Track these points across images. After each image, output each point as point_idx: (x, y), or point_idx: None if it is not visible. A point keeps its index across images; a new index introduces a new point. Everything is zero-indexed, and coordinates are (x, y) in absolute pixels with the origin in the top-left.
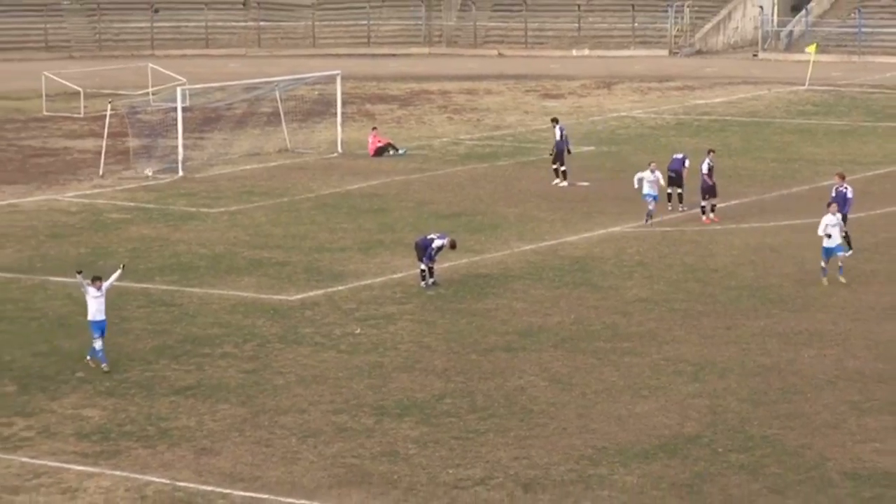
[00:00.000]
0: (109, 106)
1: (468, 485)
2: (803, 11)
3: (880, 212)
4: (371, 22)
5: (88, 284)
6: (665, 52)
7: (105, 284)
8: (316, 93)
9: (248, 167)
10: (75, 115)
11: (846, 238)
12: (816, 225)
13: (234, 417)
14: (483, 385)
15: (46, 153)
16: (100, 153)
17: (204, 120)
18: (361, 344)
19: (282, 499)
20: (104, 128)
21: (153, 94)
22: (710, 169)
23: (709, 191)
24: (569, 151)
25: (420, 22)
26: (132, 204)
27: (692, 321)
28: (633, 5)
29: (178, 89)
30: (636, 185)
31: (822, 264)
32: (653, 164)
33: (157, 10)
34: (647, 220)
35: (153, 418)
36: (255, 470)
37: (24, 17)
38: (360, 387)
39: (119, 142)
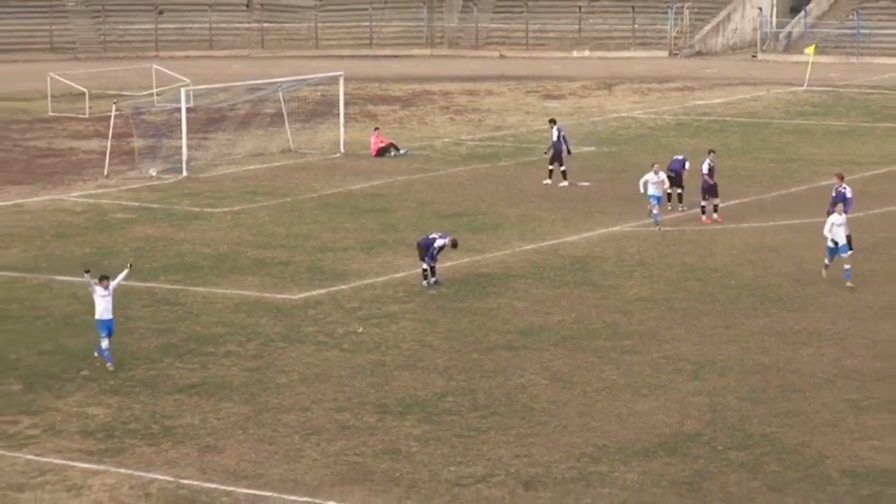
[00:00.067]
0: (114, 107)
1: (470, 482)
2: (802, 13)
3: (878, 211)
4: (373, 23)
5: (96, 283)
6: (665, 54)
7: (112, 284)
8: (319, 93)
9: (251, 167)
10: (80, 116)
11: (848, 239)
12: (815, 225)
13: (237, 415)
14: (484, 383)
15: (52, 153)
16: (105, 153)
17: (208, 120)
18: (364, 342)
19: (285, 496)
20: (109, 128)
21: (157, 95)
22: (711, 169)
23: (709, 191)
24: (569, 152)
25: (422, 23)
26: (137, 204)
27: (692, 320)
28: (633, 7)
29: (183, 90)
30: (642, 190)
31: (826, 261)
32: (656, 166)
33: (161, 12)
34: (656, 225)
35: (157, 416)
36: (258, 467)
37: (29, 18)
38: (363, 385)
39: (124, 142)
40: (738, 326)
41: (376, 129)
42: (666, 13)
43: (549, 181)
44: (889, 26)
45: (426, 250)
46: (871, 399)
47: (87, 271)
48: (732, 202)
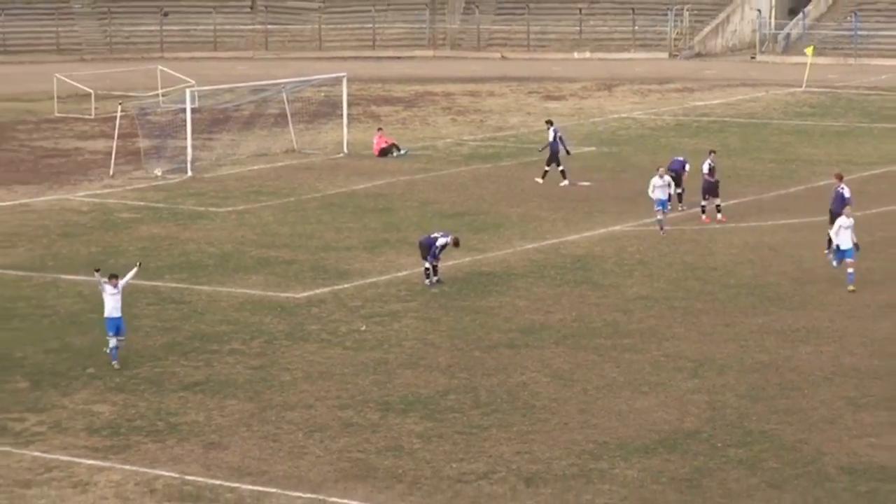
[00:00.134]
0: (120, 107)
1: (471, 479)
2: (800, 14)
3: (876, 211)
4: (376, 25)
5: (105, 282)
6: (665, 55)
7: (121, 282)
8: (322, 94)
9: (255, 167)
10: (86, 117)
11: (856, 245)
12: (814, 224)
13: (241, 413)
14: (486, 381)
15: (58, 154)
16: (110, 154)
17: (212, 121)
18: (367, 341)
19: (289, 492)
20: (115, 129)
21: (163, 96)
22: (712, 169)
23: (709, 191)
24: (567, 152)
25: (424, 25)
26: (142, 203)
27: (692, 318)
28: (633, 9)
29: (188, 91)
30: (651, 194)
31: (834, 263)
32: (661, 170)
33: (166, 14)
34: (661, 230)
35: (162, 413)
36: (262, 464)
37: (36, 20)
38: (366, 383)
39: (129, 143)
40: (738, 325)
41: (379, 129)
42: (666, 15)
43: (541, 180)
44: (886, 28)
45: (428, 249)
46: (868, 396)
47: (98, 270)
48: (732, 202)
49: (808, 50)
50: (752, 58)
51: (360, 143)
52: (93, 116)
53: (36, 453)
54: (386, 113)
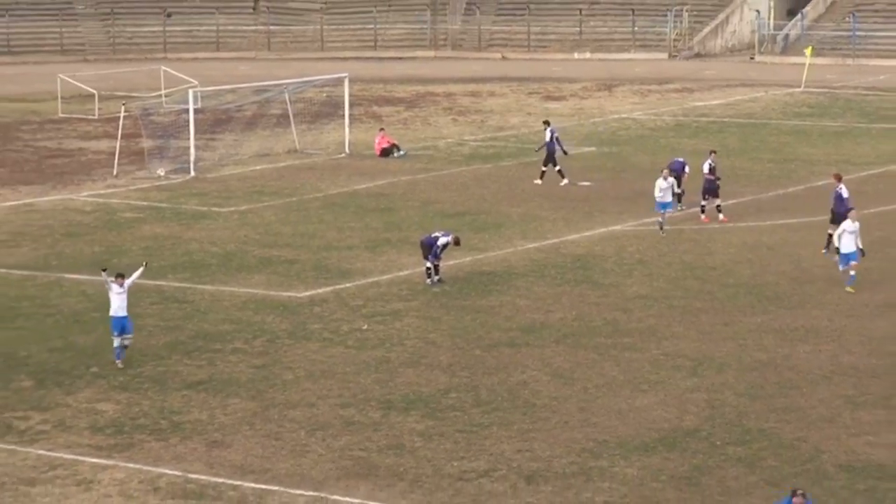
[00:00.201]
0: (123, 108)
1: (472, 477)
2: (799, 15)
3: (874, 211)
4: (378, 26)
5: (112, 281)
6: (664, 56)
7: (127, 282)
8: (324, 95)
9: (257, 167)
10: (90, 117)
11: (861, 251)
12: (812, 224)
13: (244, 411)
14: (487, 380)
15: (62, 154)
16: (114, 154)
17: (215, 121)
18: (368, 340)
19: (291, 490)
20: (118, 129)
21: (166, 97)
22: (712, 169)
23: (710, 191)
24: (564, 152)
25: (425, 26)
26: (145, 203)
27: (691, 318)
28: (633, 10)
29: (190, 91)
30: (658, 197)
31: (841, 267)
32: (665, 171)
33: (169, 15)
34: (661, 229)
35: (166, 412)
36: (265, 462)
37: (39, 20)
38: (368, 381)
39: (132, 143)
40: (737, 324)
41: (381, 129)
42: (665, 16)
43: (539, 181)
44: (884, 29)
45: (430, 249)
46: (866, 395)
47: (105, 269)
48: (731, 201)
49: (807, 50)
50: (751, 58)
51: (361, 144)
52: (96, 117)
53: (40, 451)
54: (387, 113)
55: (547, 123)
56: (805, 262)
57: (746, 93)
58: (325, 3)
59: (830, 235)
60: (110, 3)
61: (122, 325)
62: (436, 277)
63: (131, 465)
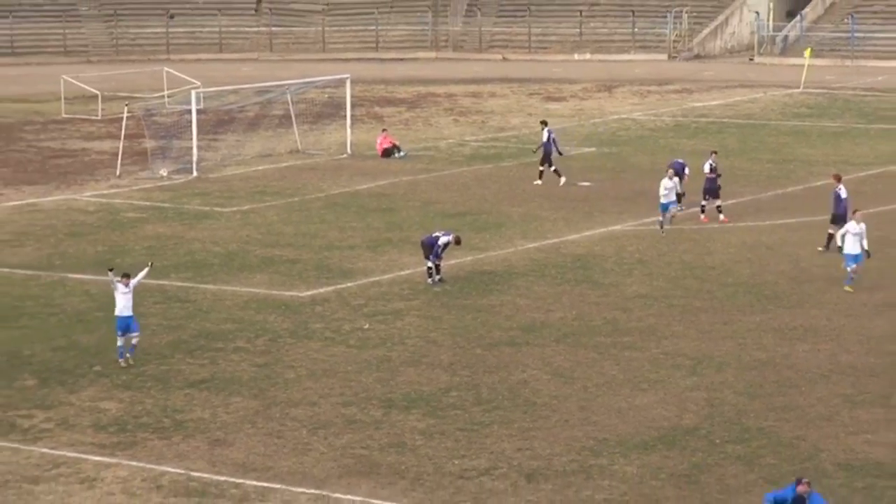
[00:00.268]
0: (126, 108)
1: (473, 475)
2: (798, 17)
3: (872, 211)
4: (379, 27)
5: (118, 281)
6: (664, 57)
7: (133, 281)
8: (326, 96)
9: (260, 168)
10: (93, 118)
11: (867, 253)
12: (811, 224)
13: (246, 410)
14: (488, 378)
15: (65, 154)
16: (117, 154)
17: (217, 122)
18: (370, 339)
19: (293, 488)
20: (121, 130)
21: (168, 97)
22: (713, 169)
23: (710, 191)
24: (559, 153)
25: (427, 27)
26: (148, 203)
27: (690, 317)
28: (633, 11)
29: (193, 92)
30: (663, 197)
31: (847, 267)
32: (670, 172)
33: (172, 16)
34: (661, 228)
35: (168, 410)
36: (267, 460)
37: (43, 22)
38: (369, 380)
39: (135, 143)
40: (736, 323)
41: (384, 130)
42: (665, 17)
43: (539, 182)
44: (883, 30)
45: (430, 248)
46: (865, 394)
47: (111, 269)
48: (730, 201)
49: (806, 52)
50: (751, 59)
51: (363, 144)
52: (99, 117)
53: (44, 450)
54: (389, 114)
55: (544, 124)
56: (804, 262)
57: (745, 94)
58: (327, 4)
59: (830, 235)
60: (113, 4)
61: (126, 325)
62: (437, 277)
63: (134, 464)
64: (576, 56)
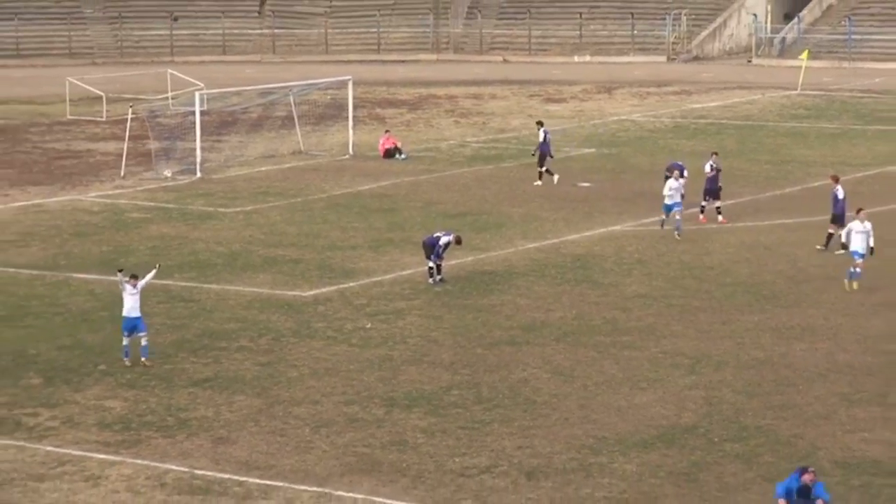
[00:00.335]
0: (130, 110)
1: (474, 473)
2: (796, 19)
3: (869, 211)
4: (381, 29)
5: (126, 281)
6: (663, 59)
7: (141, 283)
8: (328, 97)
9: (263, 168)
10: (98, 119)
11: (871, 250)
12: (809, 224)
13: (249, 408)
14: (488, 377)
15: (70, 155)
16: (121, 155)
17: (221, 123)
18: (372, 338)
19: (295, 486)
20: (125, 131)
21: (172, 99)
22: (713, 169)
23: (710, 192)
24: (551, 156)
25: (428, 29)
26: (152, 204)
27: (689, 316)
28: (632, 13)
29: (197, 94)
30: (667, 198)
31: (856, 265)
32: (676, 173)
33: (176, 19)
34: (661, 226)
35: (172, 409)
36: (269, 458)
37: (48, 24)
38: (371, 379)
39: (140, 144)
40: (734, 322)
41: (387, 131)
42: (664, 19)
43: (539, 182)
44: (880, 32)
45: (432, 249)
46: (862, 392)
47: (121, 270)
48: (729, 202)
49: (804, 54)
50: (749, 61)
51: (365, 145)
52: (104, 119)
53: (49, 448)
54: (390, 115)
55: (540, 124)
56: (802, 262)
57: (744, 95)
58: (330, 7)
59: (830, 234)
60: (118, 7)
61: (133, 326)
62: (438, 277)
63: (138, 462)
64: (576, 58)
